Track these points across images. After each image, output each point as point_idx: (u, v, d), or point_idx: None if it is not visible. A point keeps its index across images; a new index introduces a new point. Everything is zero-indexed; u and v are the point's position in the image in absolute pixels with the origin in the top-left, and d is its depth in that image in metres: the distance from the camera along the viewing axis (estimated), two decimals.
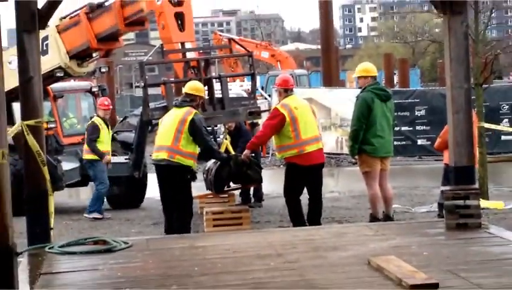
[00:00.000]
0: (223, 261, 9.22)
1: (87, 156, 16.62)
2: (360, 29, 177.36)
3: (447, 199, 10.80)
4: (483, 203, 12.14)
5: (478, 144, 13.77)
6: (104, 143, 16.69)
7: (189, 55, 17.01)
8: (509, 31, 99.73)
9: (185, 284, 8.14)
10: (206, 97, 15.66)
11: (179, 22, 16.85)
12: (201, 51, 19.33)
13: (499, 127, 22.75)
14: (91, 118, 17.40)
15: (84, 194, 20.93)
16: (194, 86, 13.08)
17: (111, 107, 17.74)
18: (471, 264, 8.43)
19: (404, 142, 25.03)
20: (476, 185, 11.20)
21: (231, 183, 15.66)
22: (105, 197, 17.28)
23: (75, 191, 20.22)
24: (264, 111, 16.37)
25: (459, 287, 7.38)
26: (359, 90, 14.15)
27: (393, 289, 7.53)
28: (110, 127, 17.26)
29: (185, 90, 13.13)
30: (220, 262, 9.19)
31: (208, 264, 9.11)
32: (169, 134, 12.47)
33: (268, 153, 24.51)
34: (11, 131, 10.45)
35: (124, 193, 18.21)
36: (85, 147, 16.87)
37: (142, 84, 16.90)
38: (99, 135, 16.38)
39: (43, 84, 11.93)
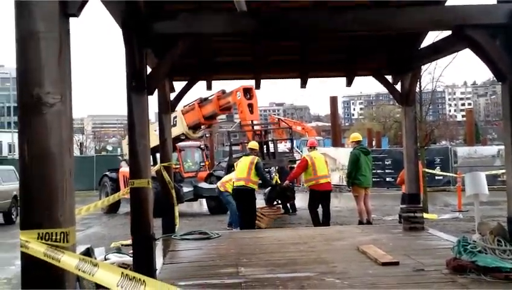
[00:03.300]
0: (272, 246, 9.08)
1: (222, 188, 14.55)
2: (353, 114, 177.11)
3: (404, 212, 10.55)
4: (425, 215, 11.81)
5: (422, 181, 13.43)
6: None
7: (256, 128, 17.06)
8: (440, 116, 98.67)
9: (250, 258, 8.03)
10: (265, 151, 15.73)
11: (250, 109, 16.91)
12: (262, 126, 19.39)
13: (433, 171, 22.35)
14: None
15: (195, 206, 20.90)
16: (254, 144, 13.63)
17: None
18: (418, 251, 8.17)
19: (378, 179, 24.62)
20: (421, 205, 10.90)
21: (278, 201, 15.57)
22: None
23: (190, 204, 20.19)
24: (297, 160, 16.22)
25: (411, 264, 7.16)
26: (352, 149, 14.02)
27: (372, 264, 7.34)
28: None
29: (249, 146, 13.59)
30: (271, 246, 9.06)
31: (263, 247, 8.99)
32: (244, 170, 12.51)
33: (300, 184, 24.27)
34: (154, 169, 10.48)
35: (218, 205, 17.63)
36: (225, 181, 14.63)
37: (229, 143, 16.96)
38: None
39: (172, 143, 11.99)
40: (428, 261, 7.33)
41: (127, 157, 20.26)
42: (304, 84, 11.56)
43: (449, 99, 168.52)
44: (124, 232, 13.99)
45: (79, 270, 2.94)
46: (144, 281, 2.58)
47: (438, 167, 24.68)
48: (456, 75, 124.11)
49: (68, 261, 2.99)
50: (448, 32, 8.02)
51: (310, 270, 7.09)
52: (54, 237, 3.11)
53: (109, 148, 51.78)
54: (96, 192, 23.76)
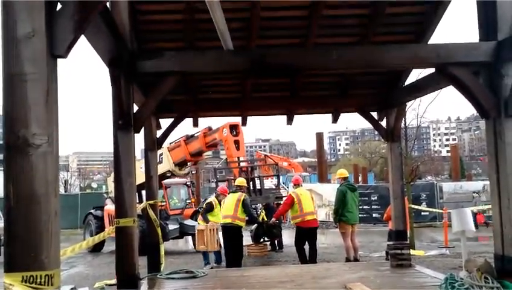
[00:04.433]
0: (259, 284, 8.98)
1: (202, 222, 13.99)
2: (339, 150, 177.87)
3: (391, 249, 10.52)
4: (411, 252, 11.80)
5: (408, 217, 13.44)
6: (215, 216, 13.96)
7: (242, 164, 17.08)
8: (424, 152, 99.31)
9: None
10: (251, 187, 15.66)
11: (236, 145, 16.98)
12: (248, 162, 19.42)
13: (419, 207, 22.38)
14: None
15: (181, 243, 20.72)
16: (241, 181, 13.59)
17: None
18: (406, 288, 8.14)
19: (365, 215, 24.63)
20: (407, 241, 10.88)
21: (265, 238, 15.51)
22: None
23: (175, 242, 20.02)
24: (284, 196, 16.22)
25: None
26: (338, 185, 14.04)
27: None
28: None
29: (236, 183, 13.54)
30: (257, 284, 8.96)
31: (250, 286, 8.87)
32: (231, 207, 12.47)
33: (287, 220, 24.20)
34: (140, 207, 10.39)
35: None
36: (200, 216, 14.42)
37: (215, 180, 16.99)
38: (214, 210, 14.08)
39: (158, 180, 11.92)
40: None
41: (112, 194, 20.13)
42: (290, 121, 11.63)
43: (434, 134, 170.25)
44: (109, 271, 13.80)
45: None
46: None
47: (424, 203, 24.77)
48: (440, 111, 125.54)
49: None
50: (432, 70, 8.14)
51: None
52: (38, 280, 3.07)
53: (94, 185, 51.37)
54: (80, 230, 23.50)
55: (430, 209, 23.39)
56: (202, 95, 10.97)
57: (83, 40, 4.64)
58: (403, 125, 14.94)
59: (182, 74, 7.45)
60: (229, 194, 13.44)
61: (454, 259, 13.85)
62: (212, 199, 14.63)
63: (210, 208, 14.09)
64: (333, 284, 8.72)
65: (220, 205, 14.24)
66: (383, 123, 11.06)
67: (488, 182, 8.67)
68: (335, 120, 11.81)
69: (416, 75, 11.93)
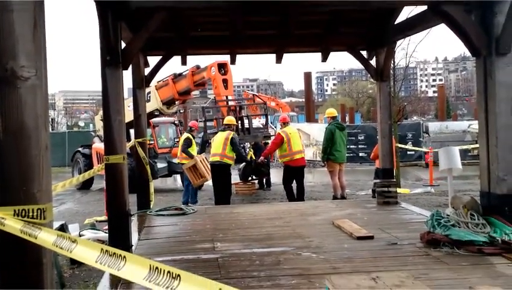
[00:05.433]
0: (248, 221, 9.09)
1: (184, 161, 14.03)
2: (326, 90, 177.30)
3: (378, 187, 10.64)
4: (398, 190, 11.93)
5: (395, 156, 13.54)
6: (193, 151, 14.14)
7: (230, 103, 16.98)
8: (411, 92, 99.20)
9: (226, 233, 8.04)
10: (240, 126, 15.62)
11: (224, 84, 16.80)
12: (237, 101, 19.31)
13: (406, 146, 22.54)
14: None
15: (169, 182, 20.88)
16: (230, 119, 13.42)
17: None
18: (392, 224, 8.27)
19: (352, 154, 24.73)
20: (394, 179, 11.00)
21: (253, 176, 15.61)
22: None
23: (164, 180, 20.15)
24: (272, 135, 16.25)
25: (385, 238, 7.24)
26: (326, 124, 14.03)
27: (347, 238, 7.41)
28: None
29: (225, 122, 13.36)
30: (246, 221, 9.08)
31: (239, 222, 9.00)
32: (219, 146, 12.41)
33: (274, 159, 24.30)
34: (129, 145, 10.37)
35: None
36: (179, 153, 14.64)
37: (203, 119, 16.89)
38: (192, 145, 14.24)
39: (147, 119, 11.86)
40: (403, 235, 7.42)
41: (99, 133, 20.04)
42: (279, 60, 11.51)
43: (420, 75, 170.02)
44: (98, 208, 13.89)
45: (57, 246, 2.88)
46: (124, 257, 2.54)
47: (410, 142, 24.93)
48: (428, 51, 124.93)
49: (45, 237, 2.93)
50: (424, 7, 8.02)
51: (286, 245, 7.12)
52: (30, 214, 3.04)
53: (81, 124, 51.07)
54: (68, 168, 23.53)
55: (417, 149, 23.57)
56: (191, 33, 10.78)
57: None
58: (391, 64, 14.84)
59: (169, 9, 7.30)
60: (217, 132, 13.41)
61: (439, 197, 14.06)
62: (187, 134, 14.55)
63: (190, 143, 14.16)
64: (321, 221, 8.85)
65: (194, 138, 14.61)
66: (373, 62, 10.99)
67: (473, 122, 8.75)
68: (324, 59, 11.69)
69: (406, 14, 11.77)
